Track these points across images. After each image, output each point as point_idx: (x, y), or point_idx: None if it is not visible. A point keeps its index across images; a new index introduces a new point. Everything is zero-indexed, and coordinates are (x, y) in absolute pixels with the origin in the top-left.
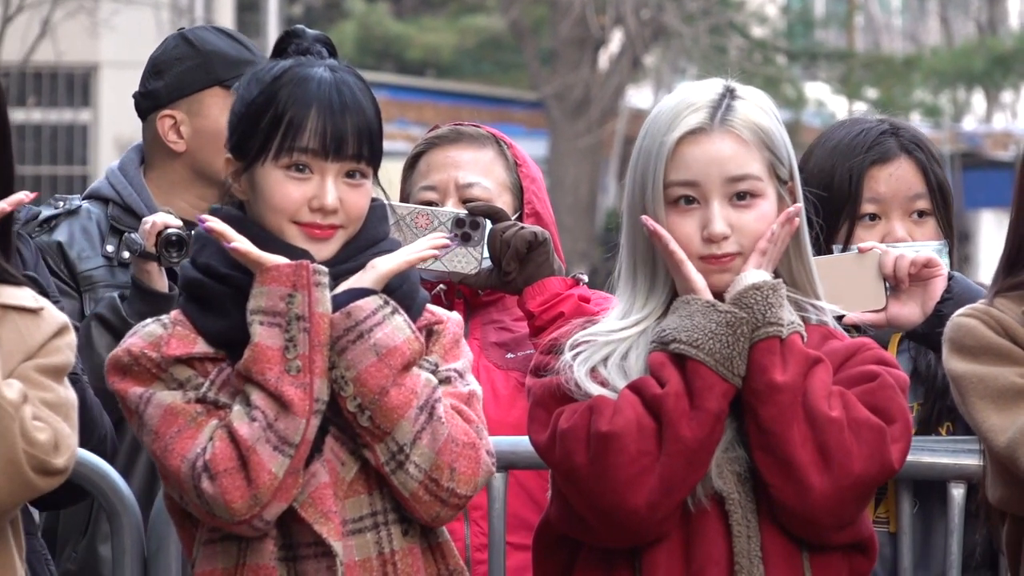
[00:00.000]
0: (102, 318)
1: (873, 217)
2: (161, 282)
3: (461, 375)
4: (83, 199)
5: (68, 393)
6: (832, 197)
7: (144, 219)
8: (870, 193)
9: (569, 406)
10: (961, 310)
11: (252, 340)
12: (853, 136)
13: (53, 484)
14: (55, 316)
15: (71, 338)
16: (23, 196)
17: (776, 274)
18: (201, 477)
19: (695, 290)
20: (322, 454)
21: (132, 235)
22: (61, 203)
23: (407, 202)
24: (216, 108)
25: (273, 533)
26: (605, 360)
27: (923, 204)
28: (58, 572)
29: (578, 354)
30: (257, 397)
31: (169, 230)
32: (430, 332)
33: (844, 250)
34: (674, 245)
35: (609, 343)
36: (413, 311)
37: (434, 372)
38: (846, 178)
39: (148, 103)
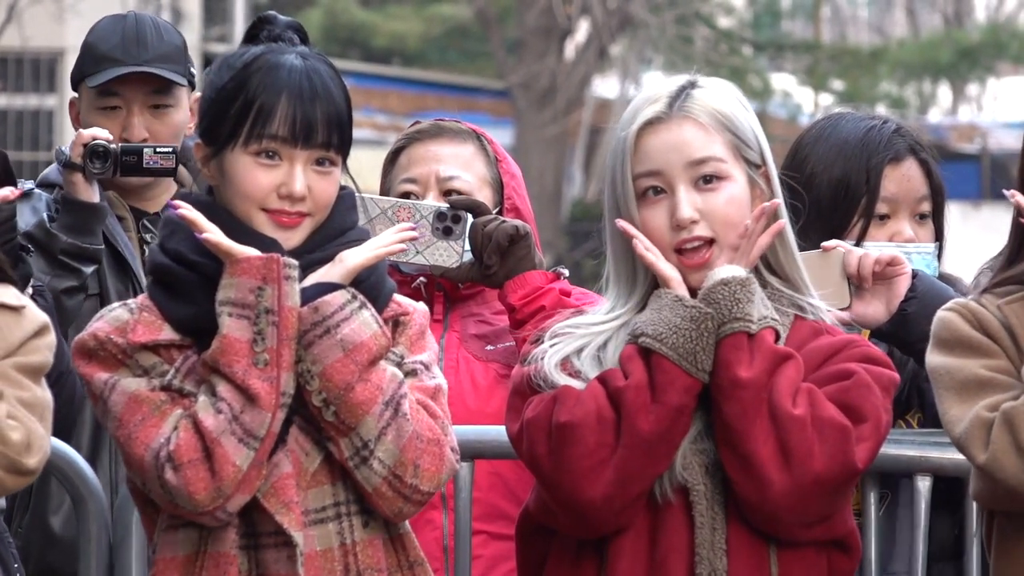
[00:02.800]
0: (31, 236)
1: (882, 217)
2: (88, 193)
3: (427, 367)
4: (36, 185)
5: (44, 393)
6: (847, 194)
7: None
8: (883, 192)
9: (537, 396)
10: (946, 304)
11: (220, 331)
12: (864, 133)
13: (22, 484)
14: (36, 315)
15: (51, 339)
16: (8, 192)
17: (768, 269)
18: (165, 467)
19: (668, 284)
20: (286, 444)
21: (60, 148)
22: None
23: (387, 195)
24: (83, 102)
25: (235, 522)
26: (580, 351)
27: (926, 206)
28: None
29: (555, 344)
30: (223, 389)
31: (96, 141)
32: (396, 323)
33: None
34: (643, 246)
35: (587, 335)
36: (380, 302)
37: (399, 364)
38: (863, 176)
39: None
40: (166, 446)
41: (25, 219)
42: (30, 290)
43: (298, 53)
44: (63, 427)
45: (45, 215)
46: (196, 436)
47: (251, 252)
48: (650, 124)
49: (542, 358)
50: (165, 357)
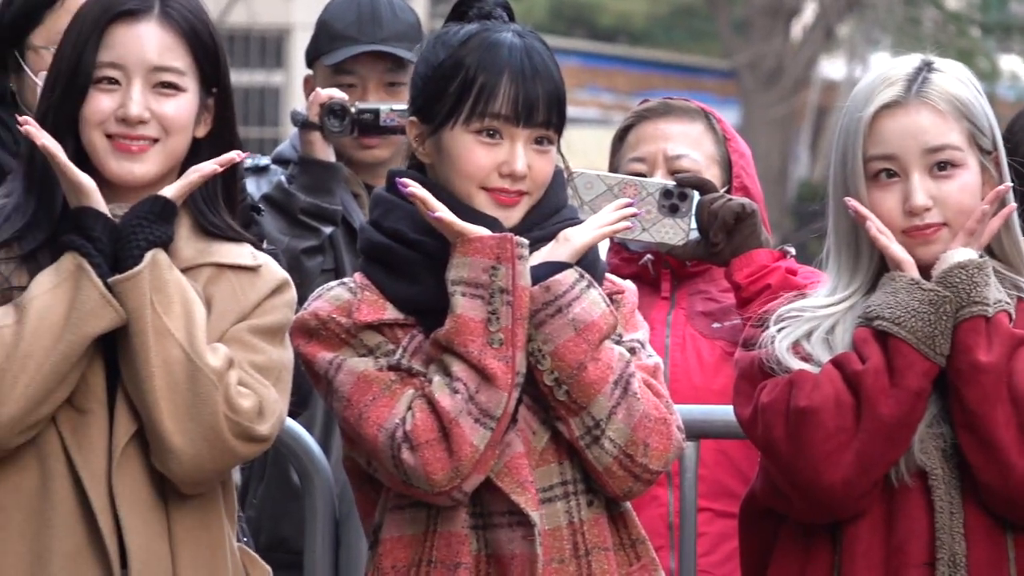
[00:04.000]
0: (269, 198)
1: None
2: (326, 152)
3: (643, 345)
4: (272, 161)
5: (282, 354)
6: None
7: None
8: None
9: (771, 380)
10: None
11: (453, 311)
12: None
13: (257, 451)
14: (274, 273)
15: (290, 295)
16: (235, 155)
17: (988, 252)
18: (401, 447)
19: (902, 267)
20: (516, 424)
21: (295, 109)
22: (249, 160)
23: (616, 173)
24: (318, 80)
25: (466, 501)
26: (809, 334)
27: None
28: None
29: (782, 328)
30: (458, 368)
31: (333, 100)
32: (610, 301)
33: None
34: (876, 228)
35: (815, 318)
36: (595, 279)
37: (618, 342)
38: None
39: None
40: (401, 426)
41: (262, 192)
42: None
43: (514, 31)
44: (301, 395)
45: (283, 177)
46: (433, 416)
47: (482, 231)
48: (887, 107)
49: (772, 342)
50: (389, 336)
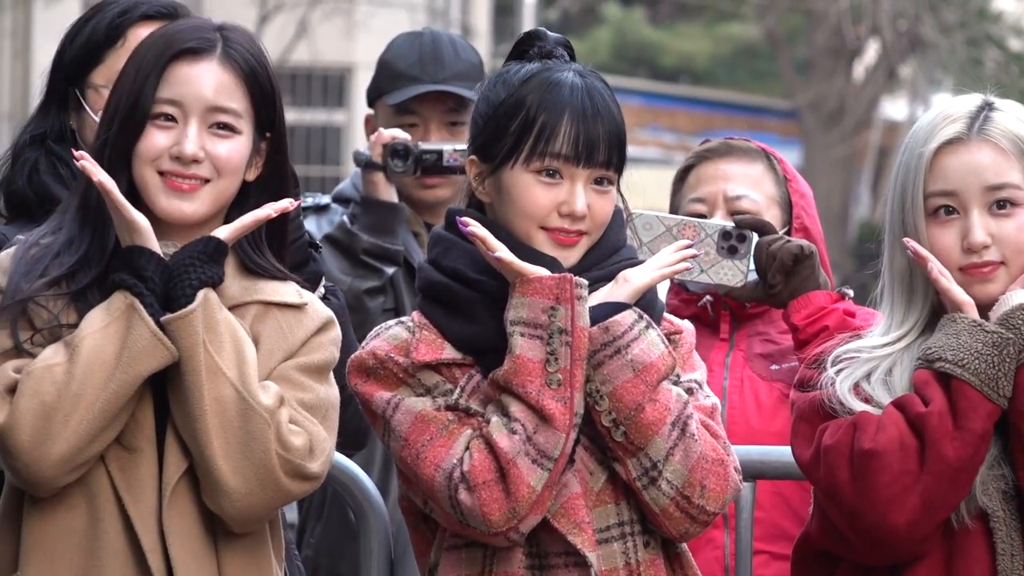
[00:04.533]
0: (331, 238)
1: None
2: (388, 193)
3: (701, 386)
4: (332, 200)
5: (329, 391)
6: None
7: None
8: None
9: (833, 422)
10: None
11: (512, 351)
12: None
13: (308, 489)
14: (319, 312)
15: (335, 333)
16: (288, 203)
17: None
18: (459, 488)
19: (962, 308)
20: (573, 464)
21: (358, 150)
22: (310, 198)
23: (676, 214)
24: (380, 119)
25: (522, 541)
26: (868, 376)
27: None
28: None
29: (841, 369)
30: (517, 409)
31: (396, 140)
32: (668, 341)
33: None
34: (937, 270)
35: (872, 359)
36: (653, 320)
37: (676, 382)
38: None
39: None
40: (459, 467)
41: (323, 231)
42: (321, 290)
43: (575, 71)
44: (359, 434)
45: (345, 217)
46: (490, 457)
47: (542, 271)
48: (949, 144)
49: (833, 384)
50: (447, 376)
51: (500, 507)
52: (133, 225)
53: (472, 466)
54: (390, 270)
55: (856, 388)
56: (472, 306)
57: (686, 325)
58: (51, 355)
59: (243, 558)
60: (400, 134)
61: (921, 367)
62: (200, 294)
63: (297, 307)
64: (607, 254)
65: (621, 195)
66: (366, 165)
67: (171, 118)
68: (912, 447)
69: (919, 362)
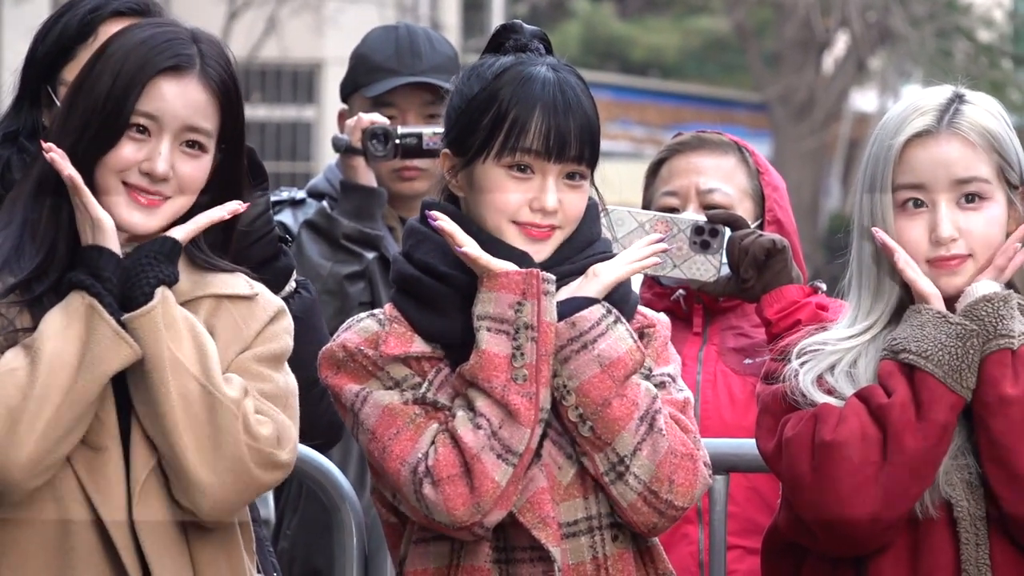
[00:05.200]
0: (311, 223)
1: None
2: (368, 177)
3: (674, 379)
4: (307, 195)
5: (287, 380)
6: None
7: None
8: None
9: (795, 414)
10: None
11: (479, 346)
12: None
13: (279, 478)
14: (270, 301)
15: (287, 322)
16: (238, 205)
17: (1008, 284)
18: (423, 482)
19: (928, 300)
20: (541, 458)
21: (337, 135)
22: (285, 192)
23: (648, 207)
24: (355, 113)
25: (488, 535)
26: (832, 368)
27: None
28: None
29: (805, 362)
30: (482, 404)
31: (375, 125)
32: (642, 335)
33: None
34: (904, 260)
35: (837, 351)
36: (626, 314)
37: (648, 376)
38: None
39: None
40: (424, 461)
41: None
42: (292, 284)
43: (548, 65)
44: (332, 427)
45: (325, 203)
46: (455, 452)
47: (509, 267)
48: (918, 136)
49: (795, 376)
50: (416, 369)
51: (464, 502)
52: (98, 223)
53: (437, 460)
54: (370, 255)
55: (820, 380)
56: (442, 300)
57: (661, 318)
58: (11, 359)
59: (215, 551)
60: (379, 118)
61: (886, 358)
62: (159, 292)
63: (248, 298)
64: (580, 248)
65: (596, 189)
66: (346, 150)
67: (144, 130)
68: (874, 438)
69: (884, 353)
